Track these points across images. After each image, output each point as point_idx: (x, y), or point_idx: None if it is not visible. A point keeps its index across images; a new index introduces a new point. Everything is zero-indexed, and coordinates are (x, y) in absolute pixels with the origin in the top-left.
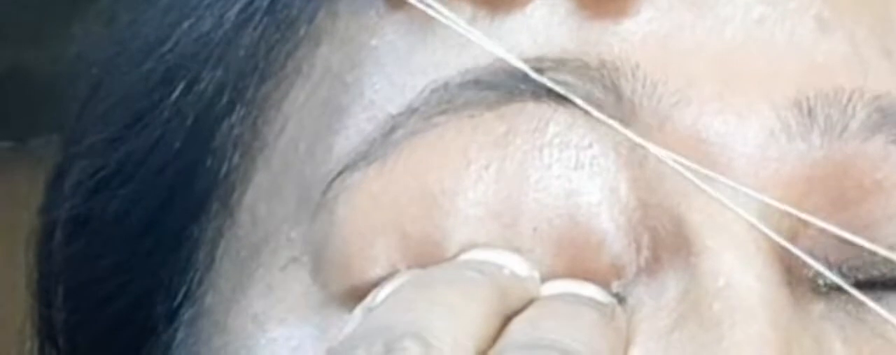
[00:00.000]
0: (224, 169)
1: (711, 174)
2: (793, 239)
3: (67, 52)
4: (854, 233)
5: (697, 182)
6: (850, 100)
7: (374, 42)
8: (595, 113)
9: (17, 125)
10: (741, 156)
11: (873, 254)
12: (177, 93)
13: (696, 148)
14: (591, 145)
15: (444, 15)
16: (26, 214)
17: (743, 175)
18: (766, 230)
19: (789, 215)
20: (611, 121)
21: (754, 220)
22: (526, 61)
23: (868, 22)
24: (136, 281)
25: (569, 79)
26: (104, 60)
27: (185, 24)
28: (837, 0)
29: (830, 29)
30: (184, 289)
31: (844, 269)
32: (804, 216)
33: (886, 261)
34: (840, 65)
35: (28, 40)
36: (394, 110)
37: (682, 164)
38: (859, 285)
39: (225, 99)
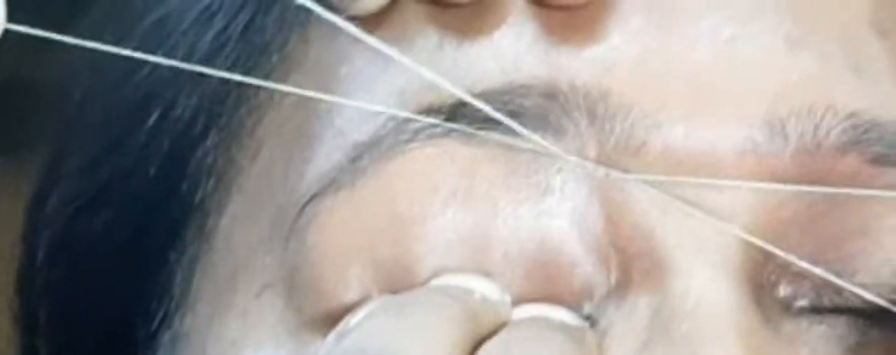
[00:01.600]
0: (199, 194)
1: (683, 181)
2: (765, 257)
3: (60, 66)
4: (825, 249)
5: (675, 198)
6: (823, 117)
7: (343, 70)
8: (532, 138)
9: (8, 138)
10: (714, 177)
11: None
12: (153, 119)
13: (672, 170)
14: (561, 169)
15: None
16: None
17: (716, 196)
18: (756, 239)
19: (764, 235)
20: (568, 155)
21: (739, 231)
22: (493, 89)
23: (837, 39)
24: (116, 305)
25: (540, 103)
26: (84, 85)
27: (161, 52)
28: (806, 17)
29: (800, 47)
30: (162, 313)
31: (819, 290)
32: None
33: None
34: (811, 82)
35: (24, 52)
36: (361, 137)
37: (654, 182)
38: (835, 310)
39: (200, 125)
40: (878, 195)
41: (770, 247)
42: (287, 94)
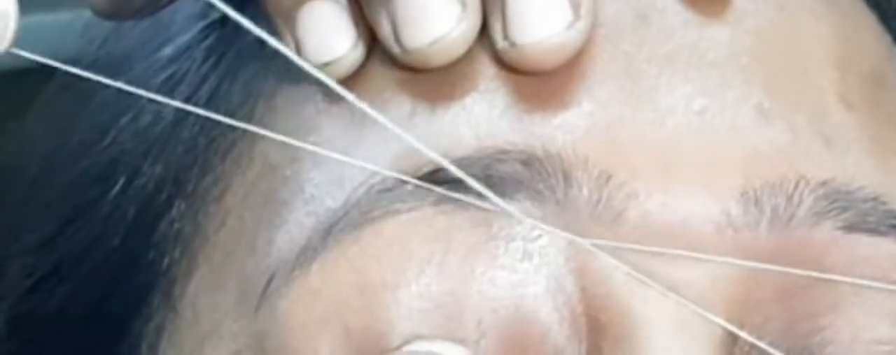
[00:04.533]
0: (165, 262)
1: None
2: (738, 328)
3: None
4: (798, 323)
5: (648, 281)
6: (796, 188)
7: (312, 138)
8: (505, 207)
9: None
10: (692, 249)
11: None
12: (117, 188)
13: (648, 241)
14: (539, 236)
15: (371, 115)
16: None
17: (693, 268)
18: (720, 320)
19: (737, 308)
20: (550, 227)
21: (705, 313)
22: (469, 155)
23: (806, 110)
24: None
25: (517, 169)
26: (43, 156)
27: (124, 120)
28: (776, 89)
29: (771, 118)
30: None
31: None
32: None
33: None
34: (783, 153)
35: None
36: (333, 204)
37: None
38: None
39: (165, 193)
40: (847, 282)
41: (734, 328)
42: (253, 162)
